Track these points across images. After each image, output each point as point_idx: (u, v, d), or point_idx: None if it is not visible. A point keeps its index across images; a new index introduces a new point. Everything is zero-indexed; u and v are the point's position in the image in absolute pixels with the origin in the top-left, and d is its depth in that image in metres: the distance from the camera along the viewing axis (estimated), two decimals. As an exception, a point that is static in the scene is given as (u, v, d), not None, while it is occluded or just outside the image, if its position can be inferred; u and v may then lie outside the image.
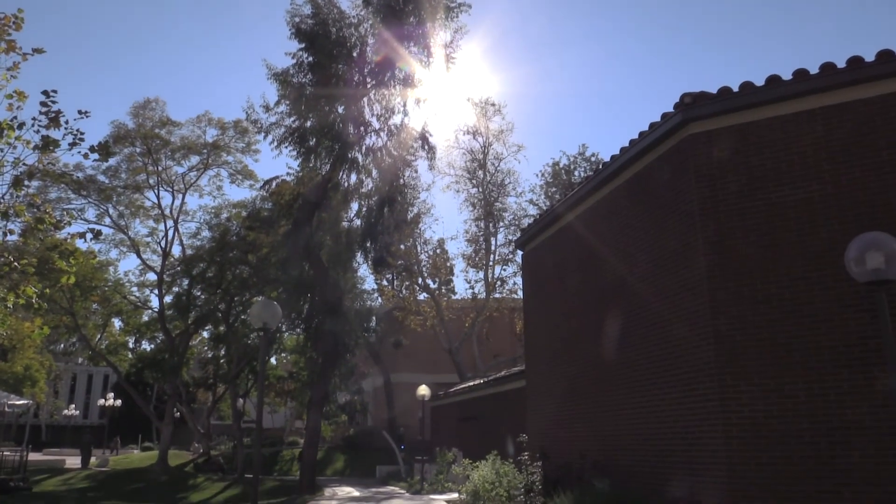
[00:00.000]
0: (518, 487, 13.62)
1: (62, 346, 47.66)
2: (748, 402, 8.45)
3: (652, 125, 10.34)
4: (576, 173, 36.26)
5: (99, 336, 42.68)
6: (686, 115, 9.53)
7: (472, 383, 27.43)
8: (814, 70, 8.93)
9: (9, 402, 23.20)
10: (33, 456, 32.54)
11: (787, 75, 9.10)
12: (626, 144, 11.10)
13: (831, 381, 8.10)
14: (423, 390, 25.98)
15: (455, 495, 18.40)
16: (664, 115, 10.02)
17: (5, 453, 25.68)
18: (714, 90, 9.51)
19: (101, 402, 51.10)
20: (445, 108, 40.82)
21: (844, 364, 8.08)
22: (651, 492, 9.64)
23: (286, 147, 23.76)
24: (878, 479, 7.65)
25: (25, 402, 25.50)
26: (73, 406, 63.33)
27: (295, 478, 29.38)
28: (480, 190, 37.58)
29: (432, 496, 20.18)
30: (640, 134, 10.66)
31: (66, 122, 9.74)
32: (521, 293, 26.36)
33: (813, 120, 8.89)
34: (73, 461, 37.97)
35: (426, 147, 24.50)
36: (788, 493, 8.00)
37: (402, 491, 22.90)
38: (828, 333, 8.23)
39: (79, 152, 9.93)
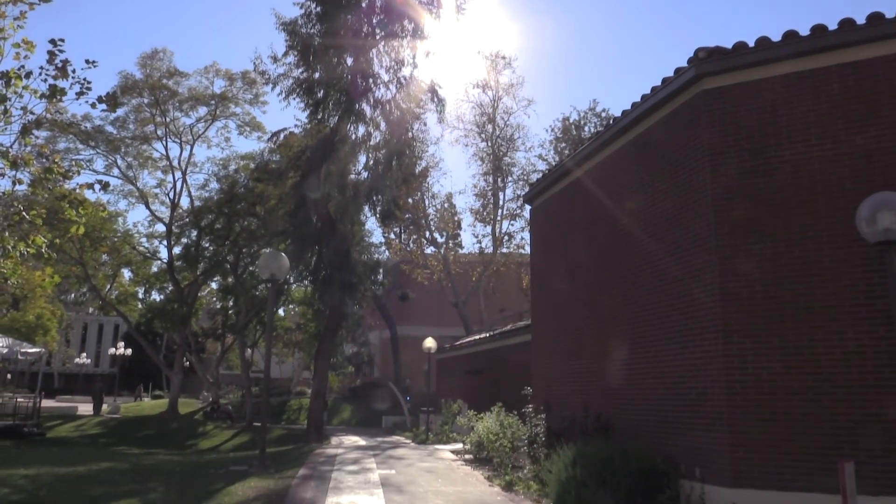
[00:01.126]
0: (522, 439, 13.86)
1: (73, 295, 48.24)
2: (752, 359, 8.51)
3: (665, 80, 10.20)
4: (586, 129, 35.95)
5: (109, 286, 43.13)
6: (700, 70, 9.39)
7: (477, 337, 27.67)
8: (832, 26, 8.75)
9: (21, 350, 23.58)
10: (46, 403, 33.22)
11: (804, 31, 8.92)
12: (638, 100, 10.97)
13: (837, 340, 8.14)
14: (430, 343, 26.27)
15: (460, 445, 18.73)
16: (677, 70, 9.88)
17: (19, 400, 26.22)
18: (730, 46, 9.35)
19: (112, 351, 51.81)
20: (455, 61, 40.43)
21: (851, 324, 8.10)
22: (653, 445, 9.78)
23: (294, 99, 23.63)
24: (881, 437, 7.74)
25: (38, 350, 25.92)
26: (85, 355, 64.31)
27: (302, 426, 29.94)
28: (489, 144, 37.37)
29: (437, 446, 20.55)
30: (653, 89, 10.52)
31: (74, 72, 9.67)
32: (528, 248, 26.39)
33: (829, 77, 8.75)
34: (86, 408, 38.76)
35: (435, 100, 24.30)
36: (789, 448, 8.11)
37: (408, 441, 23.33)
38: (836, 293, 8.24)
39: (86, 102, 9.89)
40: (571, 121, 37.07)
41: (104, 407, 38.37)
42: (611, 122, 12.34)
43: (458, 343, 30.83)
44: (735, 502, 7.92)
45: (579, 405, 12.18)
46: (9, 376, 41.58)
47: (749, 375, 8.48)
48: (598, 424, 11.30)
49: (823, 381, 8.12)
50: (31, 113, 9.91)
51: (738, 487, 8.17)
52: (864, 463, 7.54)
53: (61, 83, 9.58)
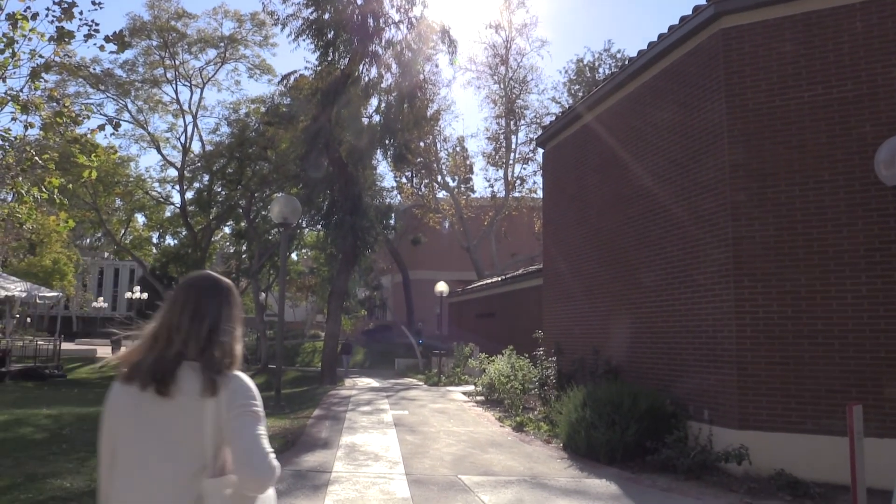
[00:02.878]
0: (533, 381, 14.04)
1: (88, 240, 48.63)
2: (763, 303, 8.51)
3: (683, 19, 9.96)
4: (600, 71, 35.29)
5: (123, 231, 43.41)
6: (719, 7, 9.14)
7: (489, 281, 27.80)
8: (857, -40, 8.45)
9: (39, 294, 23.92)
10: (66, 346, 33.83)
11: (828, -34, 8.63)
12: (655, 40, 10.73)
13: (849, 285, 8.11)
14: (441, 287, 26.45)
15: (471, 388, 19.00)
16: (696, 9, 9.63)
17: (39, 343, 26.74)
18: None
19: (128, 295, 52.51)
20: (467, 1, 39.51)
21: (864, 268, 8.06)
22: (662, 388, 9.90)
23: (304, 40, 23.27)
24: (890, 381, 7.78)
25: (55, 294, 26.29)
26: (102, 299, 65.22)
27: (316, 369, 30.44)
28: (502, 87, 36.82)
29: (449, 388, 20.86)
30: (670, 28, 10.27)
31: (81, 14, 9.56)
32: (540, 192, 26.25)
33: (852, 15, 8.49)
34: (105, 351, 39.48)
35: (447, 40, 23.83)
36: (797, 391, 8.17)
37: (420, 383, 23.68)
38: (849, 237, 8.17)
39: (94, 44, 9.82)
40: (585, 62, 36.39)
41: (123, 350, 39.06)
42: (626, 63, 12.10)
43: (469, 287, 31.00)
44: (743, 444, 8.02)
45: (589, 348, 12.29)
46: (28, 320, 42.29)
47: (759, 319, 8.50)
48: (608, 367, 11.42)
49: (833, 326, 8.13)
50: (40, 56, 9.86)
51: (746, 429, 8.28)
52: (872, 406, 7.60)
53: (68, 25, 9.49)
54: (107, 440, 2.03)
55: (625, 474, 8.37)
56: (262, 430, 1.97)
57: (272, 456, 1.95)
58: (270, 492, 2.06)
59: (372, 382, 24.12)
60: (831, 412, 7.90)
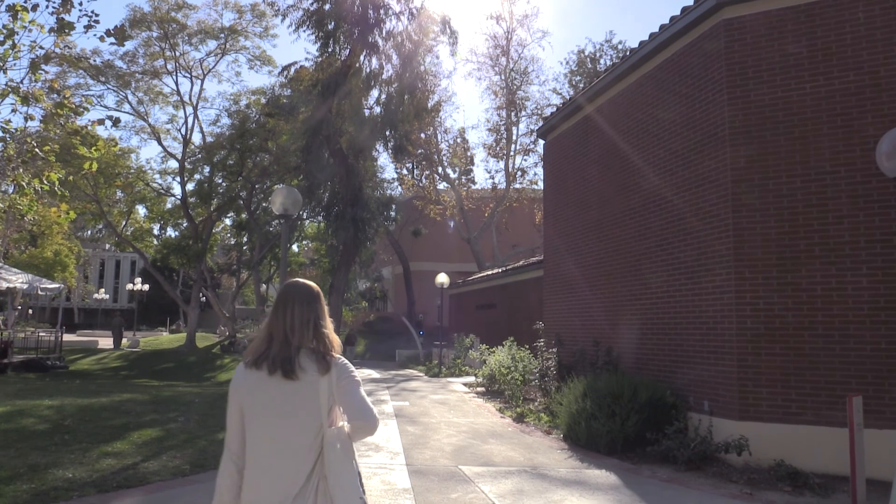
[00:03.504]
0: (533, 372, 14.08)
1: (89, 232, 48.67)
2: (764, 294, 8.52)
3: (684, 9, 9.92)
4: (602, 61, 35.18)
5: (124, 223, 43.38)
6: (720, -1, 9.12)
7: (490, 272, 27.80)
8: (860, -50, 8.41)
9: (41, 286, 23.93)
10: (68, 337, 33.91)
11: (830, -44, 8.59)
12: (657, 31, 10.70)
13: (850, 277, 8.11)
14: (442, 278, 26.42)
15: (472, 379, 19.05)
16: None
17: (41, 334, 26.80)
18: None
19: (130, 286, 52.57)
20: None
21: (864, 260, 8.06)
22: (662, 379, 9.92)
23: (304, 31, 23.22)
24: (889, 373, 7.80)
25: (57, 285, 26.30)
26: (103, 290, 65.26)
27: (318, 360, 30.41)
28: (503, 78, 36.71)
29: (450, 379, 20.90)
30: (672, 19, 10.24)
31: (80, 4, 9.53)
32: (541, 184, 26.24)
33: (854, 6, 8.46)
34: (106, 342, 39.56)
35: (448, 31, 23.79)
36: (797, 383, 8.19)
37: (421, 374, 23.72)
38: (851, 229, 8.17)
39: (94, 35, 9.78)
40: (587, 53, 36.26)
41: (124, 341, 39.17)
42: (627, 54, 12.07)
43: (470, 278, 31.02)
44: (743, 435, 8.05)
45: (590, 339, 12.31)
46: (30, 311, 42.31)
47: (760, 311, 8.51)
48: (609, 358, 11.44)
49: (834, 317, 8.14)
50: (40, 48, 9.83)
51: (746, 420, 8.30)
52: (871, 398, 7.63)
53: (68, 16, 9.47)
54: (235, 410, 2.68)
55: (625, 465, 8.40)
56: (364, 392, 2.67)
57: (375, 409, 2.67)
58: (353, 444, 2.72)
59: (373, 374, 24.16)
60: (831, 403, 7.92)
